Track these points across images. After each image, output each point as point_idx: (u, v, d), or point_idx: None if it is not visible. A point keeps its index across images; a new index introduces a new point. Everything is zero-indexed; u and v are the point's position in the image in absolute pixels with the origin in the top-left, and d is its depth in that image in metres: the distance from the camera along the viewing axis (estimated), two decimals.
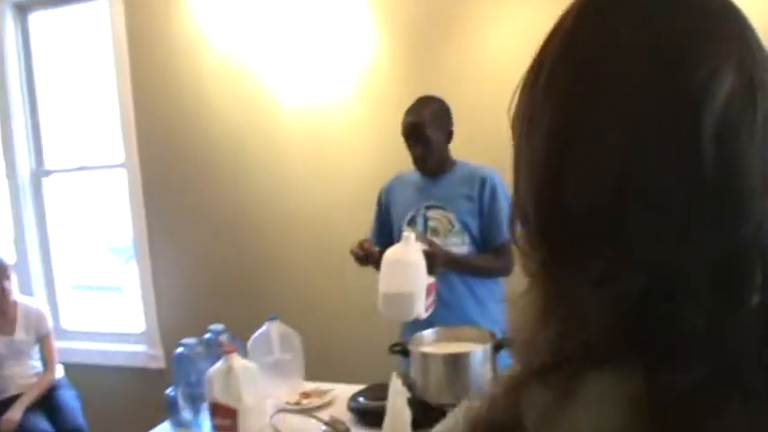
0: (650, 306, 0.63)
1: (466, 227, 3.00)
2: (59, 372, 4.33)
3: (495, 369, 2.45)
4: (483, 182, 3.00)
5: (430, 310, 2.70)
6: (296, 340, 2.93)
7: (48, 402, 4.15)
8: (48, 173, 5.03)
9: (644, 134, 0.64)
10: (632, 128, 0.64)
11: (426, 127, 2.93)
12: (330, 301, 3.83)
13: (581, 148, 0.68)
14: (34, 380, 4.19)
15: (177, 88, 4.44)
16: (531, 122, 0.77)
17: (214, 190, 4.43)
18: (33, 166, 5.02)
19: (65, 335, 4.94)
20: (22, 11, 4.91)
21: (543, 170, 0.72)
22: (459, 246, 2.99)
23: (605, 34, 0.69)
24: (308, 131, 4.11)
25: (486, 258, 3.02)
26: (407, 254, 2.64)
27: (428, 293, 2.67)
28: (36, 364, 4.27)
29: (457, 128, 3.80)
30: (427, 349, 2.52)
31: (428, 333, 2.64)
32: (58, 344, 4.40)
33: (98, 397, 4.56)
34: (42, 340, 4.28)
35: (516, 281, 0.82)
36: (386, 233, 3.19)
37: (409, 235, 2.65)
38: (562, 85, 0.72)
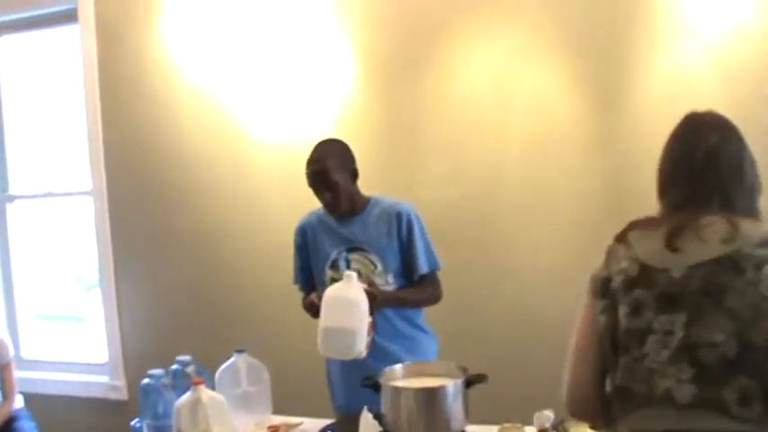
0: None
1: (388, 266, 3.01)
2: (19, 402, 4.23)
3: (466, 403, 2.44)
4: (399, 217, 3.01)
5: (369, 350, 2.71)
6: (264, 373, 2.90)
7: None
8: (12, 198, 4.96)
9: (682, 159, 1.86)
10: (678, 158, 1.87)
11: (331, 172, 2.91)
12: (299, 334, 3.77)
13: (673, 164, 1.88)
14: None
15: (146, 117, 4.41)
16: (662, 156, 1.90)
17: (182, 220, 4.39)
18: None
19: (25, 364, 4.83)
20: None
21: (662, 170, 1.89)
22: (383, 286, 2.99)
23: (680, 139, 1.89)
24: (280, 163, 4.10)
25: (419, 291, 3.06)
26: (350, 292, 2.67)
27: (368, 332, 2.70)
28: None
29: (432, 161, 3.85)
30: (399, 383, 2.51)
31: (398, 367, 2.64)
32: (18, 374, 4.30)
33: (58, 429, 4.46)
34: (2, 369, 4.16)
35: None
36: (309, 275, 3.18)
37: (351, 274, 2.70)
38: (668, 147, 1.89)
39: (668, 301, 1.69)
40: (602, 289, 1.81)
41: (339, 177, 2.92)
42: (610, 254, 1.86)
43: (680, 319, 1.66)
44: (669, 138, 1.89)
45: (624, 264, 1.78)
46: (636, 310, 1.72)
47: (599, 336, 1.81)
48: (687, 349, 1.64)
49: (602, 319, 1.79)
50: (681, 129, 1.89)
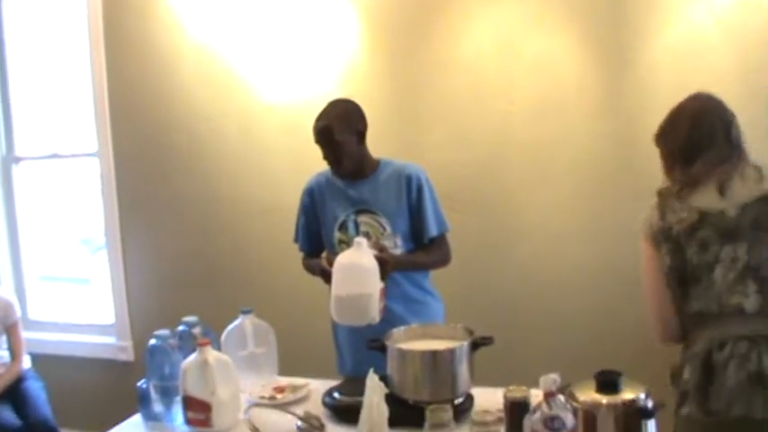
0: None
1: (397, 229, 3.00)
2: (26, 363, 4.26)
3: (471, 366, 2.44)
4: (409, 180, 3.00)
5: (381, 315, 2.72)
6: (270, 334, 2.90)
7: (14, 394, 4.06)
8: (18, 160, 4.95)
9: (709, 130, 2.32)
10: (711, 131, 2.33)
11: (334, 131, 2.89)
12: (305, 295, 3.78)
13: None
14: (1, 371, 4.11)
15: (152, 77, 4.38)
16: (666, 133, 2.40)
17: (188, 180, 4.38)
18: (4, 152, 4.94)
19: (32, 325, 4.87)
20: None
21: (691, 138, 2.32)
22: (392, 249, 2.98)
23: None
24: (286, 124, 4.09)
25: (429, 254, 3.07)
26: (361, 259, 2.67)
27: (381, 298, 2.70)
28: (3, 354, 4.18)
29: (437, 123, 3.83)
30: (405, 346, 2.51)
31: (402, 330, 2.63)
32: (25, 334, 4.32)
33: (66, 389, 4.50)
34: (9, 330, 4.18)
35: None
36: (314, 237, 3.18)
37: (361, 240, 2.69)
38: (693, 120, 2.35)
39: (729, 235, 2.17)
40: (664, 236, 2.26)
41: (344, 137, 2.90)
42: (664, 206, 2.29)
43: (742, 247, 2.16)
44: (689, 113, 2.36)
45: (683, 214, 2.24)
46: (703, 247, 2.19)
47: (666, 274, 2.27)
48: (751, 269, 2.15)
49: (668, 259, 2.25)
50: (705, 104, 2.38)
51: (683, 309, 2.26)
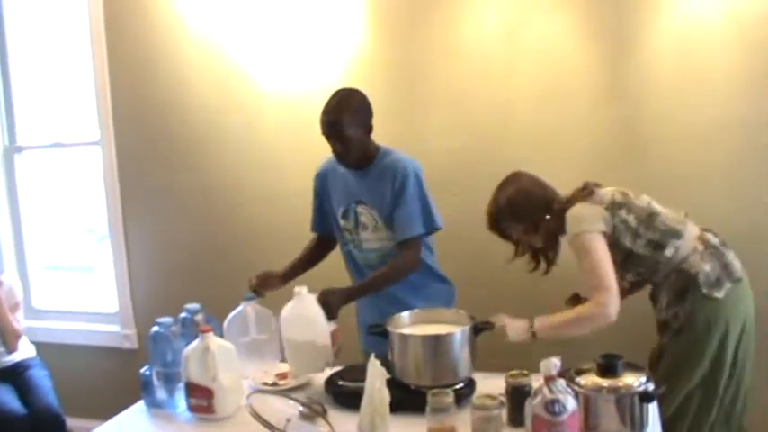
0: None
1: (388, 223, 2.97)
2: (31, 351, 4.27)
3: (473, 350, 2.44)
4: (394, 176, 2.93)
5: (337, 356, 2.70)
6: (272, 321, 2.90)
7: (19, 382, 4.08)
8: (20, 149, 4.95)
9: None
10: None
11: (344, 126, 2.84)
12: (306, 282, 3.79)
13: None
14: (4, 358, 4.12)
15: (153, 66, 4.38)
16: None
17: (189, 169, 4.38)
18: (6, 142, 4.94)
19: (37, 314, 4.89)
20: None
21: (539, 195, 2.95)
22: (384, 241, 2.98)
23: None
24: (288, 112, 4.08)
25: (389, 268, 2.95)
26: (304, 308, 2.66)
27: (334, 340, 2.66)
28: None
29: (440, 109, 3.82)
30: (406, 331, 2.52)
31: (405, 315, 2.64)
32: (30, 323, 4.34)
33: (71, 377, 4.52)
34: (10, 311, 4.15)
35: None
36: (326, 220, 3.20)
37: (300, 290, 2.68)
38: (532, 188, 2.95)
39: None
40: (617, 206, 2.77)
41: (352, 131, 2.86)
42: (593, 202, 2.79)
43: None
44: (525, 184, 2.93)
45: (608, 195, 2.79)
46: (637, 199, 2.82)
47: (635, 228, 2.76)
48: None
49: (632, 216, 2.76)
50: (527, 174, 2.98)
51: (654, 239, 2.75)
